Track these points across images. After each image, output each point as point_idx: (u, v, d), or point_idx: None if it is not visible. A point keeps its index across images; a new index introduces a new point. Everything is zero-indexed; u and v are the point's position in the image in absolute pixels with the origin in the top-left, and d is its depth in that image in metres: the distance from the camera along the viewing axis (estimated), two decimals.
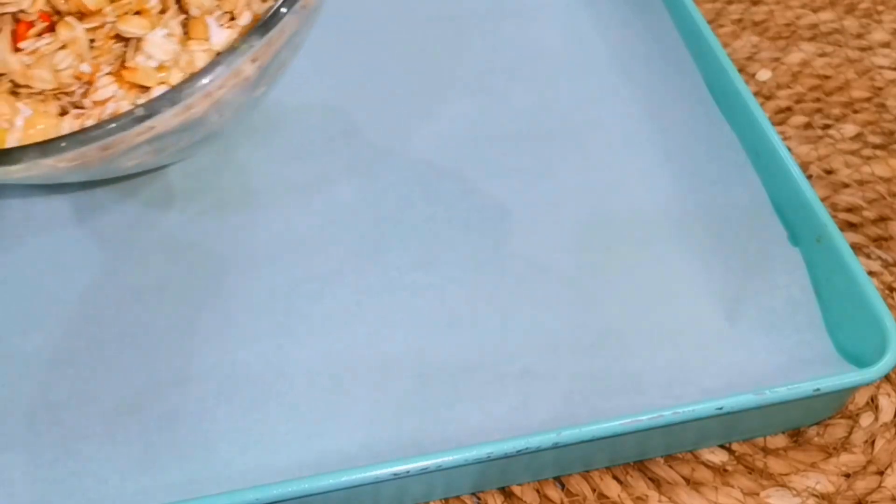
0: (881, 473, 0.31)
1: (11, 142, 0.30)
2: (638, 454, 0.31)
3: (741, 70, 0.43)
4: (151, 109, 0.27)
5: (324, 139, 0.38)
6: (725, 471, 0.31)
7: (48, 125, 0.31)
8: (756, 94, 0.42)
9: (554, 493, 0.31)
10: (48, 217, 0.35)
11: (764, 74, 0.43)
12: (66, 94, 0.31)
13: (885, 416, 0.32)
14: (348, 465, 0.28)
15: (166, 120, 0.28)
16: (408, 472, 0.27)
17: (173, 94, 0.27)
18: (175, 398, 0.30)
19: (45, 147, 0.27)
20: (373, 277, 0.33)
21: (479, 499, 0.31)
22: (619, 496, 0.31)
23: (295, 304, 0.33)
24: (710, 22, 0.45)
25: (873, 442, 0.32)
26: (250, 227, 0.35)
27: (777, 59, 0.44)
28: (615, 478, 0.31)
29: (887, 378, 0.33)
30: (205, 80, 0.28)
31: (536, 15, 0.43)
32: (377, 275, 0.34)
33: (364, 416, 0.30)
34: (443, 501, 0.31)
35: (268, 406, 0.30)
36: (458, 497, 0.31)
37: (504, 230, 0.35)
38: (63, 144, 0.27)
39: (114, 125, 0.27)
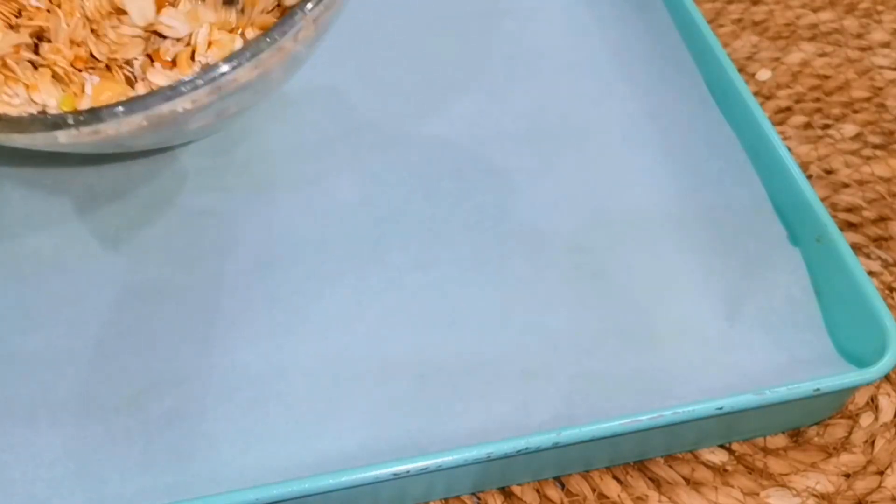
0: (881, 473, 0.31)
1: (85, 106, 0.30)
2: (638, 454, 0.31)
3: (741, 70, 0.43)
4: (256, 49, 0.28)
5: (324, 139, 0.38)
6: (725, 471, 0.31)
7: (116, 91, 0.31)
8: (756, 94, 0.42)
9: (554, 493, 0.31)
10: (48, 216, 0.35)
11: (764, 74, 0.43)
12: (128, 63, 0.32)
13: (885, 416, 0.32)
14: (348, 465, 0.28)
15: (268, 60, 0.29)
16: (408, 472, 0.27)
17: (281, 23, 0.28)
18: (175, 398, 0.30)
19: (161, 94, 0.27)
20: (373, 277, 0.33)
21: (479, 499, 0.31)
22: (619, 496, 0.31)
23: (295, 304, 0.33)
24: (710, 22, 0.45)
25: (873, 442, 0.32)
26: (250, 227, 0.35)
27: (777, 59, 0.44)
28: (615, 478, 0.31)
29: (887, 378, 0.33)
30: (276, 37, 0.29)
31: (536, 14, 0.43)
32: (377, 275, 0.33)
33: (364, 416, 0.30)
34: (443, 501, 0.31)
35: (268, 406, 0.30)
36: (458, 497, 0.31)
37: (504, 230, 0.35)
38: (184, 88, 0.27)
39: (225, 68, 0.28)
